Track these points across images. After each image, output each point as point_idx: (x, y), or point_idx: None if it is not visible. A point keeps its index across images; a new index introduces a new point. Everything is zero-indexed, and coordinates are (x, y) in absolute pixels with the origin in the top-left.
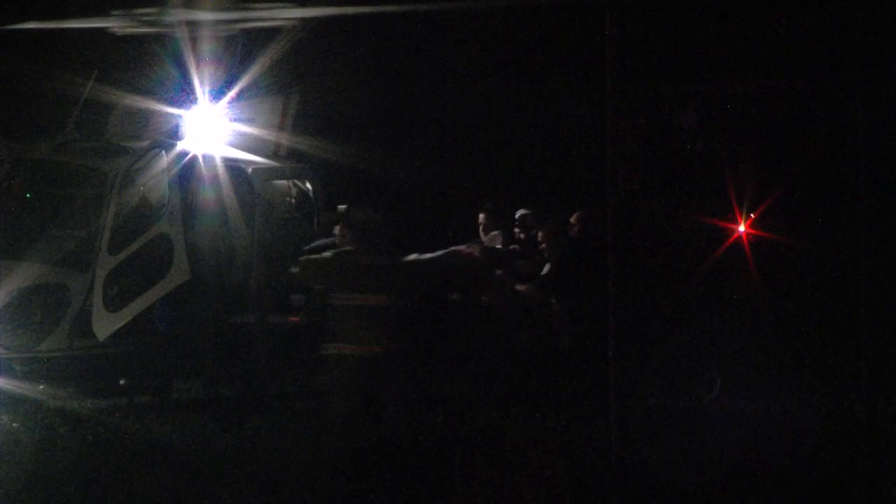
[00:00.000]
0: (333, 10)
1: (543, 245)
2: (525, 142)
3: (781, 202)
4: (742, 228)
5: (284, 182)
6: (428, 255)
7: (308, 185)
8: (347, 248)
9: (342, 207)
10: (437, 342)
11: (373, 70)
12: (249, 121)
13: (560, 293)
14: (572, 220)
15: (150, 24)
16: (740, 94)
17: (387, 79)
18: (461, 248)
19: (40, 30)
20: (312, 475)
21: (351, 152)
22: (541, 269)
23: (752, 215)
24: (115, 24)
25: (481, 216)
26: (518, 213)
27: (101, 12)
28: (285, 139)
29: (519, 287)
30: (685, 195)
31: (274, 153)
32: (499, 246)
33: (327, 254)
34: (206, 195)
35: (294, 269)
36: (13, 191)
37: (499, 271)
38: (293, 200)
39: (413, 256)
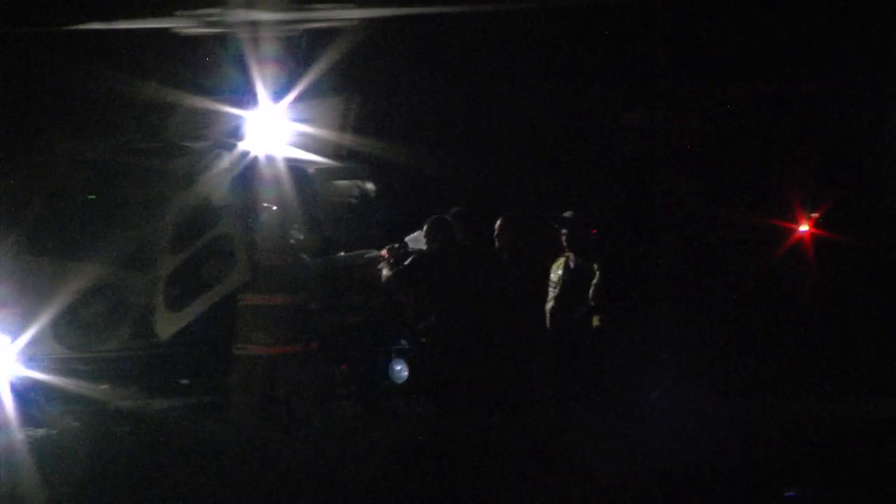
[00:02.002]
0: (395, 10)
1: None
2: (578, 145)
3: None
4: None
5: (346, 182)
6: (342, 255)
7: (369, 186)
8: None
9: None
10: (334, 340)
11: (434, 71)
12: (311, 121)
13: (409, 284)
14: (496, 225)
15: (213, 24)
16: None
17: (448, 80)
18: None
19: (103, 30)
20: (370, 474)
21: (412, 153)
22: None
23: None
24: (177, 24)
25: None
26: (565, 215)
27: (164, 13)
28: (347, 140)
29: (386, 273)
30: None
31: (335, 154)
32: (420, 247)
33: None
34: (268, 195)
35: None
36: (74, 192)
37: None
38: (354, 201)
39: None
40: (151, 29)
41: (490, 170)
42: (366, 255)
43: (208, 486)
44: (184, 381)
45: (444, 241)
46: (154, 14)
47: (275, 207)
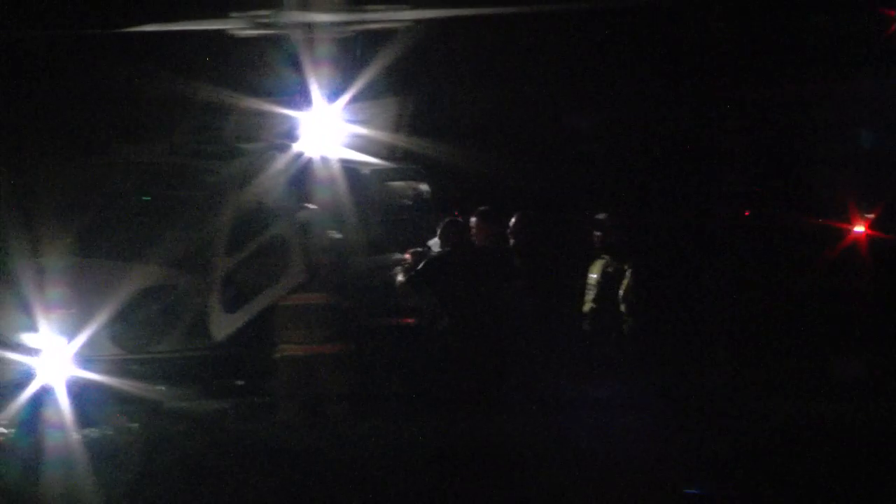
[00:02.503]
0: (448, 11)
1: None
2: (633, 146)
3: None
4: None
5: (400, 183)
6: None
7: (424, 187)
8: None
9: None
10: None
11: (488, 71)
12: (365, 122)
13: (425, 287)
14: (510, 224)
15: (267, 26)
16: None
17: (501, 80)
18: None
19: (157, 32)
20: (425, 477)
21: (466, 154)
22: None
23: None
24: (231, 26)
25: (472, 219)
26: (598, 217)
27: (218, 15)
28: (401, 141)
29: (400, 279)
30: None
31: (390, 155)
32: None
33: None
34: (322, 197)
35: None
36: (129, 193)
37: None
38: (409, 202)
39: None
40: (206, 31)
41: (540, 169)
42: (391, 258)
43: (262, 486)
44: (239, 382)
45: (456, 243)
46: (208, 16)
47: (314, 206)
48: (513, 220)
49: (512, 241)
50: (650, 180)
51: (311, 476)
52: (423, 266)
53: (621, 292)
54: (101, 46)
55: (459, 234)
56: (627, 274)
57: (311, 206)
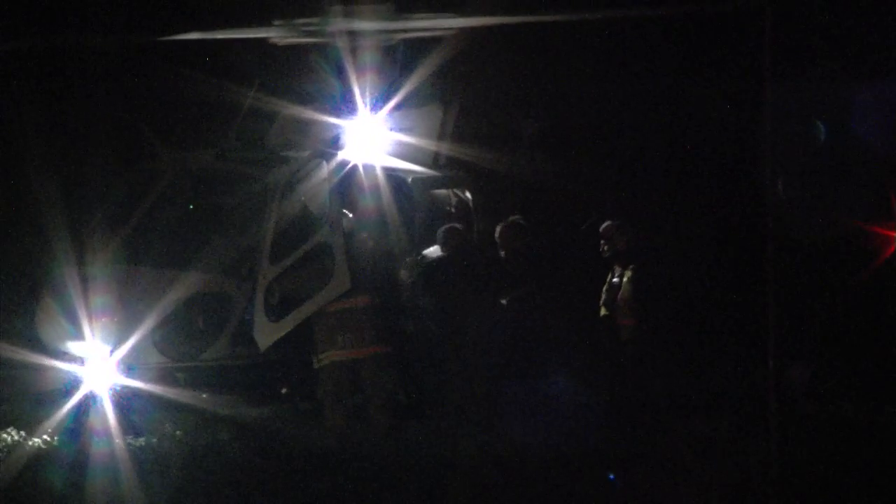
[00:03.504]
0: (493, 19)
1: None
2: (683, 149)
3: None
4: None
5: (444, 191)
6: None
7: (467, 194)
8: None
9: None
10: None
11: (532, 79)
12: (409, 130)
13: (425, 293)
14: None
15: (311, 34)
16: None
17: (546, 88)
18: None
19: (202, 40)
20: (474, 483)
21: (510, 161)
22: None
23: None
24: (276, 34)
25: (498, 228)
26: (602, 226)
27: (263, 23)
28: (445, 148)
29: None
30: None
31: (433, 162)
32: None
33: None
34: (367, 204)
35: None
36: (175, 200)
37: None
38: (453, 209)
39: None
40: (251, 39)
41: (583, 176)
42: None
43: (308, 492)
44: (284, 390)
45: (455, 249)
46: (253, 24)
47: (357, 214)
48: (497, 230)
49: (502, 252)
50: (682, 186)
51: (354, 481)
52: (423, 271)
53: (617, 300)
54: (148, 54)
55: (459, 241)
56: (625, 281)
57: (354, 213)
